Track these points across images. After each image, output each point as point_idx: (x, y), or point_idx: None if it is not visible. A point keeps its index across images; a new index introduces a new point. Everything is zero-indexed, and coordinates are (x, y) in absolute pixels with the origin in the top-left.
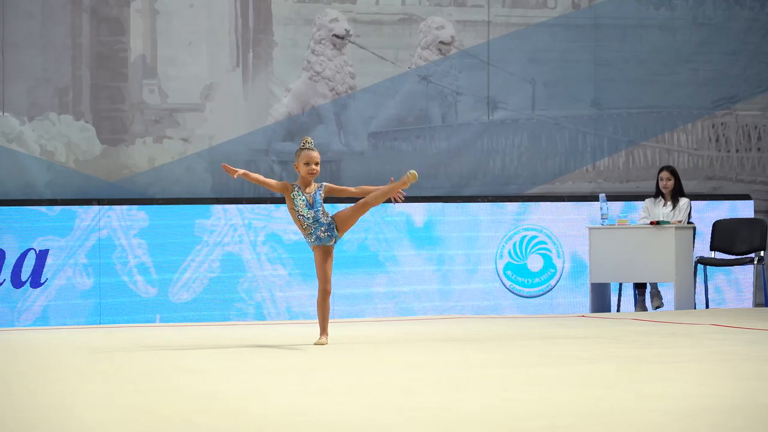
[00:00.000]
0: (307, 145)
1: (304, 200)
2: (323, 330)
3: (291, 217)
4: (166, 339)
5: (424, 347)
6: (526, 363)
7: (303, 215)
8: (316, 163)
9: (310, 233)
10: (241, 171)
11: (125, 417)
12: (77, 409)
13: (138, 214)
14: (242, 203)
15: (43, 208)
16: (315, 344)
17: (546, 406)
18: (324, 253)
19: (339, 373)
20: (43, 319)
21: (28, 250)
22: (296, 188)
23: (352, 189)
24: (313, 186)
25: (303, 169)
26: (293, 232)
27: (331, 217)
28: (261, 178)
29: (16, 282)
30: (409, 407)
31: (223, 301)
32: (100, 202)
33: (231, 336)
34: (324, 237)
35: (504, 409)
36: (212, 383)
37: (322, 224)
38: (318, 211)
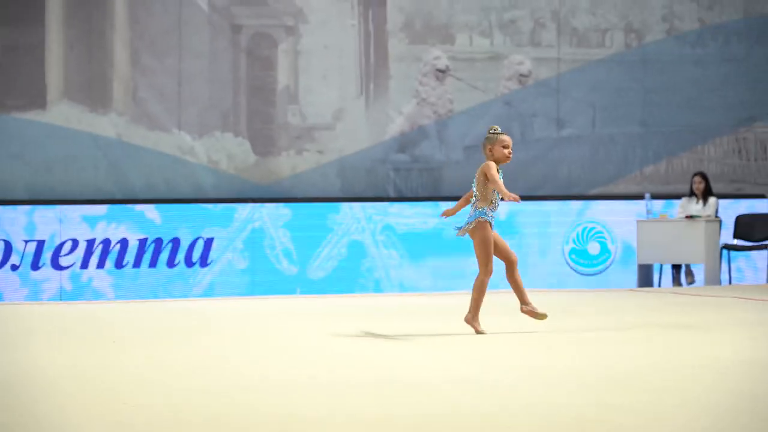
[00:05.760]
0: (500, 130)
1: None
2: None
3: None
4: (304, 307)
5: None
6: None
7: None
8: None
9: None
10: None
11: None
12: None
13: (283, 210)
14: (364, 201)
15: (209, 205)
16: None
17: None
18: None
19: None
20: (209, 292)
21: (198, 238)
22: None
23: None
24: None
25: (503, 152)
26: (405, 224)
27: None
28: (460, 204)
29: (189, 263)
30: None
31: (349, 277)
32: (254, 200)
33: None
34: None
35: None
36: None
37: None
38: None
